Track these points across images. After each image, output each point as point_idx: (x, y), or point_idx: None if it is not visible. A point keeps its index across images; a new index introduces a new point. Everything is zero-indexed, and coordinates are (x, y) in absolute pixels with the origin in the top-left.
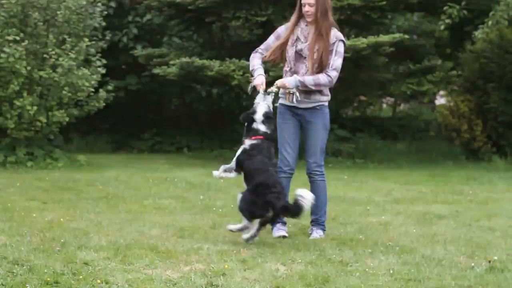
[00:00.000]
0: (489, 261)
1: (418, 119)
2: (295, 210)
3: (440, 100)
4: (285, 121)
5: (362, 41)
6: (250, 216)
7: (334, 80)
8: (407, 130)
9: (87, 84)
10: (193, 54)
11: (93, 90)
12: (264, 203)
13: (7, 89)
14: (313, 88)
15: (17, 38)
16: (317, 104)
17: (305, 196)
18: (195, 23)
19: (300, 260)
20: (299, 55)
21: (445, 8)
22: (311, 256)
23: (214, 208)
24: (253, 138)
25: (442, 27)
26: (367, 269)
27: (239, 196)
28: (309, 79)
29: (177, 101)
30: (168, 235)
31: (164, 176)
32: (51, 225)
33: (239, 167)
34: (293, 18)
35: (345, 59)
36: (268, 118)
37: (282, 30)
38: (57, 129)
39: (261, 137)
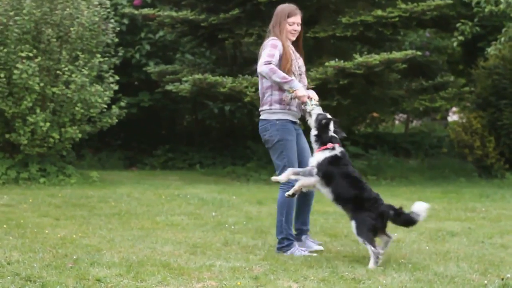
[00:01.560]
0: (502, 279)
1: (431, 135)
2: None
3: (453, 117)
4: (293, 138)
5: (374, 58)
6: (374, 235)
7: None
8: (419, 147)
9: (99, 100)
10: (206, 71)
11: (105, 106)
12: (380, 214)
13: (20, 105)
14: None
15: (30, 54)
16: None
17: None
18: (207, 39)
19: (312, 277)
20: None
21: (458, 24)
22: (324, 273)
23: (226, 225)
24: (337, 144)
25: (455, 43)
26: (379, 287)
27: (354, 223)
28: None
29: (189, 118)
30: (181, 251)
31: (176, 193)
32: (64, 242)
33: (326, 174)
34: (281, 35)
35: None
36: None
37: (279, 43)
38: (69, 145)
39: (339, 144)
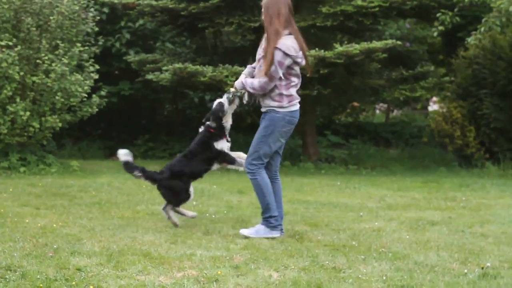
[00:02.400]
0: (482, 268)
1: (411, 125)
2: None
3: (433, 106)
4: None
5: (355, 47)
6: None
7: (264, 86)
8: (400, 136)
9: (80, 89)
10: (186, 60)
11: (85, 95)
12: None
13: (0, 94)
14: (251, 90)
15: (10, 43)
16: (266, 108)
17: None
18: (188, 29)
19: (293, 267)
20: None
21: (438, 14)
22: (304, 263)
23: (207, 214)
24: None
25: (435, 33)
26: (360, 276)
27: None
28: (249, 82)
29: (170, 107)
30: (161, 241)
31: None
32: (44, 231)
33: None
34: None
35: (337, 65)
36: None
37: None
38: (50, 134)
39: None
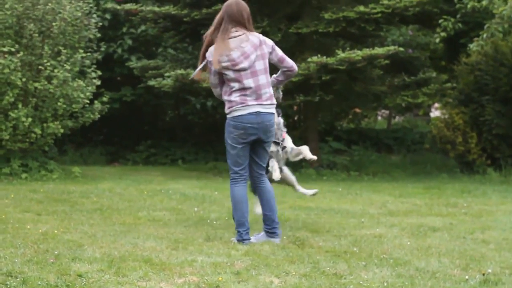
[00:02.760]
0: (483, 274)
1: (413, 131)
2: None
3: (435, 113)
4: None
5: (357, 54)
6: None
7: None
8: (401, 143)
9: (82, 95)
10: (188, 66)
11: (88, 101)
12: None
13: (2, 100)
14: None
15: (12, 49)
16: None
17: None
18: (190, 35)
19: (294, 273)
20: None
21: (440, 21)
22: (305, 269)
23: (208, 220)
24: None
25: (437, 40)
26: (361, 282)
27: None
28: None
29: (172, 113)
30: (162, 247)
31: (158, 188)
32: (45, 237)
33: None
34: None
35: (340, 72)
36: None
37: None
38: (51, 140)
39: None
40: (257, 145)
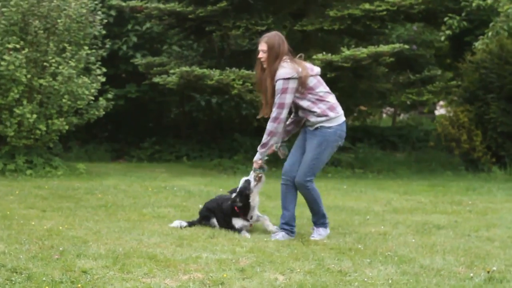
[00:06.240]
0: (488, 272)
1: (418, 129)
2: None
3: (440, 111)
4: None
5: (362, 51)
6: None
7: (278, 116)
8: (406, 140)
9: (86, 92)
10: (193, 63)
11: (92, 98)
12: None
13: (7, 97)
14: (269, 138)
15: (18, 46)
16: (316, 126)
17: None
18: (195, 32)
19: (298, 270)
20: None
21: (445, 19)
22: (310, 266)
23: None
24: None
25: (443, 38)
26: (365, 279)
27: None
28: (264, 136)
29: (176, 110)
30: (167, 243)
31: (163, 185)
32: (50, 233)
33: None
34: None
35: (345, 69)
36: None
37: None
38: (56, 137)
39: None
40: None
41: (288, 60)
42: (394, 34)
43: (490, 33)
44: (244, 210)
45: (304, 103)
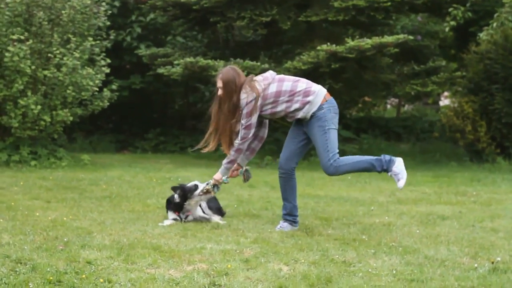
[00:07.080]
0: (492, 262)
1: (422, 120)
2: None
3: (444, 101)
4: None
5: (366, 42)
6: None
7: (246, 136)
8: (411, 131)
9: (91, 83)
10: (198, 54)
11: (97, 89)
12: None
13: (11, 88)
14: (236, 155)
15: (22, 37)
16: (309, 115)
17: None
18: (199, 23)
19: (303, 260)
20: None
21: (450, 9)
22: (314, 256)
23: None
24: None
25: (447, 28)
26: (370, 270)
27: None
28: (231, 153)
29: (181, 101)
30: (171, 234)
31: (167, 176)
32: (54, 224)
33: None
34: None
35: (349, 60)
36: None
37: None
38: (61, 128)
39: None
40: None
41: (247, 86)
42: (399, 24)
43: (494, 24)
44: (176, 207)
45: (281, 107)
